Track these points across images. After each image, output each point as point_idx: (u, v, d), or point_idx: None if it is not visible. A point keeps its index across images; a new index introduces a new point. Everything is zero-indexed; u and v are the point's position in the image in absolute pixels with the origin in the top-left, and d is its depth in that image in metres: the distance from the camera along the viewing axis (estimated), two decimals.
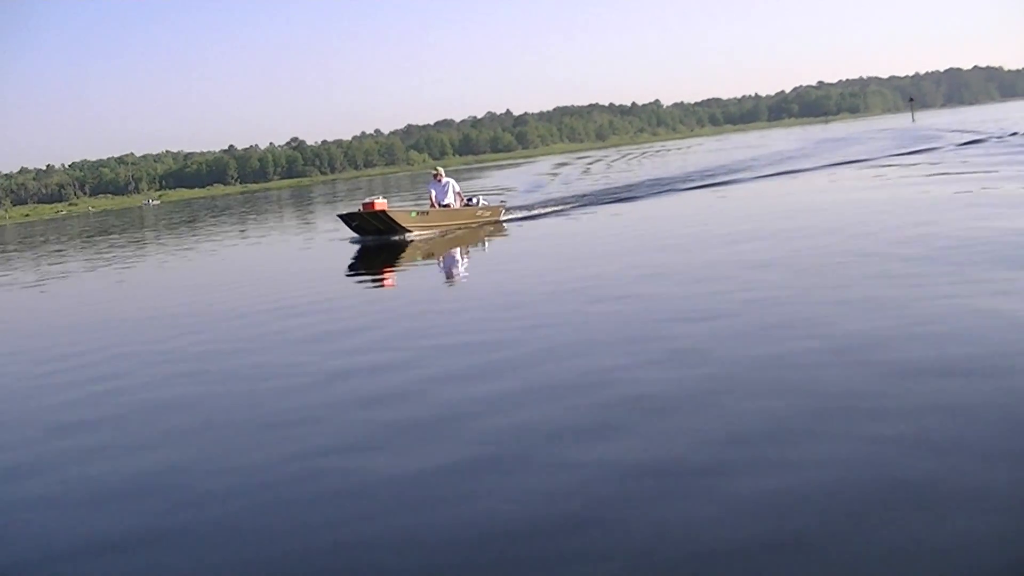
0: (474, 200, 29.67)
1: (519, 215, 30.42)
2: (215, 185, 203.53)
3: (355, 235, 28.12)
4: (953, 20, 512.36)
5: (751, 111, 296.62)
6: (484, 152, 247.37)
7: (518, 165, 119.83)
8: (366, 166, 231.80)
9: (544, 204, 33.56)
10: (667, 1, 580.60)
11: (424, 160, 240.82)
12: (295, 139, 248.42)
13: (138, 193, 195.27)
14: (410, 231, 26.89)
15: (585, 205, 32.03)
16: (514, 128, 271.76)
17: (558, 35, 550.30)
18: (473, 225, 28.23)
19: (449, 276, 19.13)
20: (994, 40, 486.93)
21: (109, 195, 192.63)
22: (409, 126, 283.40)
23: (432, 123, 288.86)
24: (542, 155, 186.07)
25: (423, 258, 22.59)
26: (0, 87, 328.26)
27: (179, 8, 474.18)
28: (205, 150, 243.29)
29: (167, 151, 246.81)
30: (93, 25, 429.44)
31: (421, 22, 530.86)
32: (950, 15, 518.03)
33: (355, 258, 24.49)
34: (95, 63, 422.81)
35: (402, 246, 25.31)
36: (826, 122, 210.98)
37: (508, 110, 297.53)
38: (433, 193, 28.98)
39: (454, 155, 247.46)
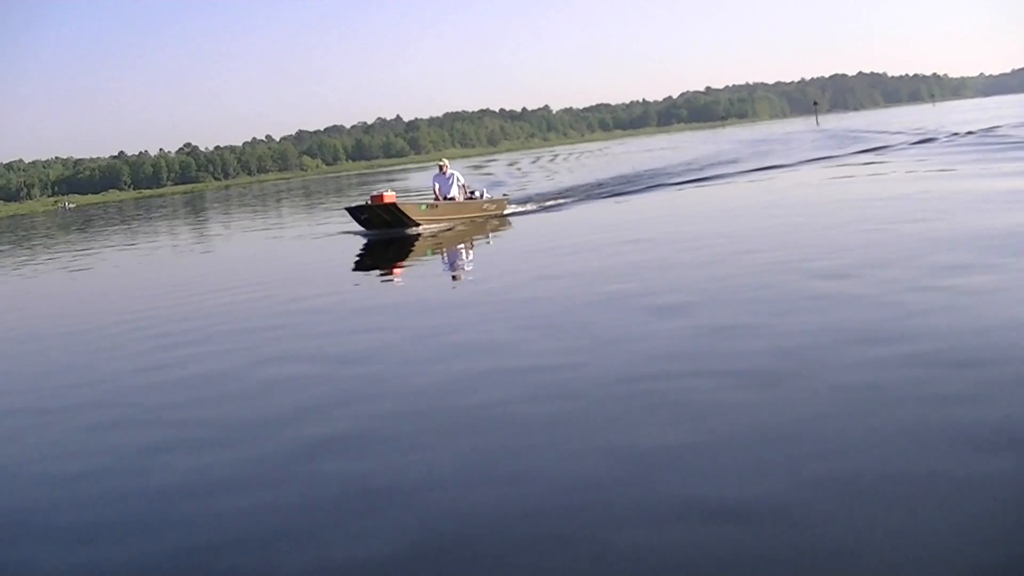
0: (477, 193, 29.55)
1: (524, 209, 30.45)
2: (110, 191, 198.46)
3: (362, 228, 27.50)
4: (838, 26, 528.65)
5: (640, 116, 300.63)
6: (377, 157, 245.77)
7: (419, 170, 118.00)
8: (259, 171, 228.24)
9: (544, 198, 33.66)
10: (553, 7, 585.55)
11: (317, 166, 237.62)
12: (188, 144, 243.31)
13: (31, 199, 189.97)
14: (419, 224, 26.55)
15: (586, 199, 32.20)
16: (406, 133, 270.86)
17: (446, 41, 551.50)
18: (480, 219, 28.05)
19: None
20: (878, 46, 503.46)
21: (1, 201, 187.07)
22: (300, 132, 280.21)
23: (323, 128, 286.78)
24: (435, 160, 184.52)
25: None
26: None
27: (62, 12, 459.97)
28: (95, 156, 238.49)
29: (56, 157, 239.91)
30: None
31: (309, 26, 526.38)
32: (835, 21, 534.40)
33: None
34: None
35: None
36: (722, 126, 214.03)
37: (399, 115, 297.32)
38: (437, 186, 28.68)
39: (347, 160, 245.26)
